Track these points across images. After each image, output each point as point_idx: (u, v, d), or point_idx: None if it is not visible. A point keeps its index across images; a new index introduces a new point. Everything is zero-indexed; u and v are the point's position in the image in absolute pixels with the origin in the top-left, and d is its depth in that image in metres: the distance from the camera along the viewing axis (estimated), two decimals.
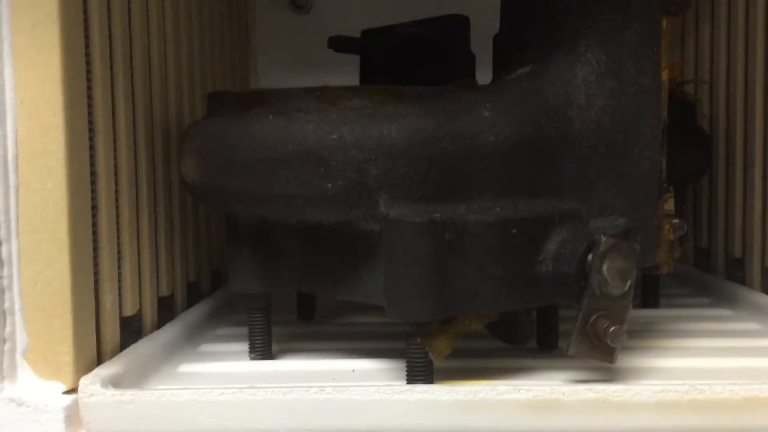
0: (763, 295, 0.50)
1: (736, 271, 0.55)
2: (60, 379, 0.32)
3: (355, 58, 0.54)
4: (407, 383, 0.34)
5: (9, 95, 0.32)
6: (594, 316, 0.33)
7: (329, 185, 0.33)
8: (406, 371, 0.34)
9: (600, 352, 0.34)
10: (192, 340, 0.44)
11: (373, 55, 0.54)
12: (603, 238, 0.33)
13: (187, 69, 0.50)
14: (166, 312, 0.45)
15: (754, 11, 0.52)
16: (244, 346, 0.41)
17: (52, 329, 0.32)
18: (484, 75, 0.41)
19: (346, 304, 0.52)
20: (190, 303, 0.49)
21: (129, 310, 0.39)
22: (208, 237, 0.54)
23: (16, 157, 0.32)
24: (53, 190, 0.32)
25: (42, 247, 0.32)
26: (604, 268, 0.33)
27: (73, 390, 0.32)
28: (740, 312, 0.50)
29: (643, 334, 0.44)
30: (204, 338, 0.45)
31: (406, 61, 0.52)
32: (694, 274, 0.61)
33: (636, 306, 0.35)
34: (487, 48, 0.41)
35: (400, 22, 0.52)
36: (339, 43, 0.54)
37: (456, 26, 0.50)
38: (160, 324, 0.43)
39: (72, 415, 0.32)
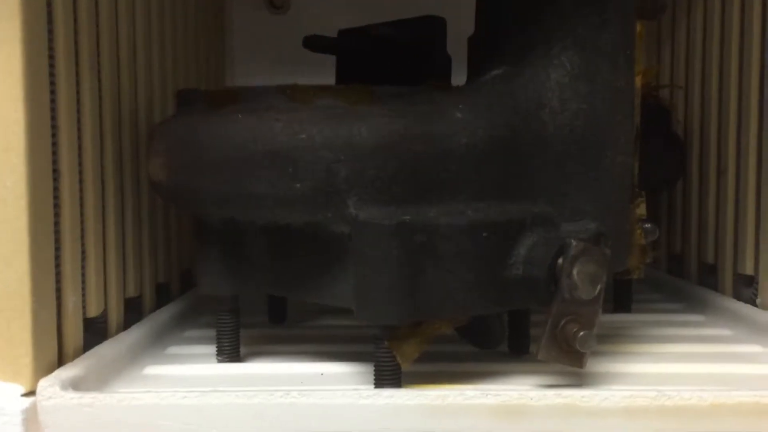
0: (735, 301, 0.50)
1: (709, 277, 0.56)
2: (18, 381, 0.32)
3: (333, 59, 0.54)
4: (375, 387, 0.34)
5: None
6: (563, 321, 0.33)
7: (298, 186, 0.32)
8: (374, 375, 0.34)
9: (569, 357, 0.34)
10: (159, 342, 0.43)
11: (349, 55, 0.53)
12: (574, 242, 0.33)
13: (159, 68, 0.49)
14: (134, 313, 0.44)
15: (729, 17, 0.52)
16: (212, 349, 0.40)
17: (11, 331, 0.31)
18: (460, 77, 0.41)
19: (317, 306, 0.51)
20: (159, 304, 0.48)
21: (93, 311, 0.38)
22: (179, 237, 0.53)
23: None
24: (13, 188, 0.31)
25: (1, 247, 0.31)
26: (575, 272, 0.33)
27: (31, 392, 0.31)
28: (712, 318, 0.50)
29: (613, 339, 0.44)
30: (172, 340, 0.44)
31: (382, 61, 0.52)
32: (666, 279, 0.61)
33: (607, 311, 0.35)
34: (463, 50, 0.41)
35: (377, 23, 0.51)
36: (315, 43, 0.54)
37: (432, 27, 0.50)
38: (127, 326, 0.42)
39: (30, 418, 0.31)
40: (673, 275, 0.61)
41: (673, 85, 0.58)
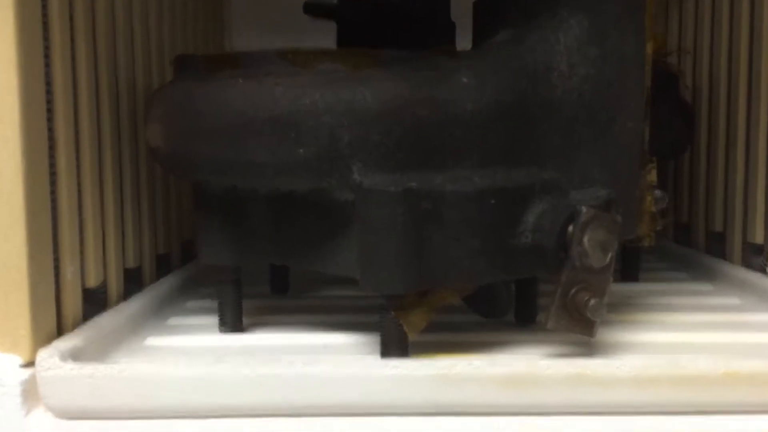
0: (744, 269, 0.49)
1: (717, 246, 0.55)
2: (17, 352, 0.31)
3: (334, 27, 0.52)
4: (381, 357, 0.33)
5: None
6: (574, 289, 0.32)
7: (300, 151, 0.32)
8: (381, 345, 0.33)
9: (579, 326, 0.33)
10: (160, 313, 0.43)
11: (350, 22, 0.52)
12: (584, 209, 0.32)
13: (156, 34, 0.48)
14: (134, 284, 0.44)
15: None
16: (214, 320, 0.39)
17: (9, 302, 0.31)
18: (464, 45, 0.39)
19: (320, 276, 0.51)
20: (160, 276, 0.48)
21: (93, 282, 0.38)
22: (179, 207, 0.52)
23: None
24: (8, 159, 0.30)
25: None
26: (585, 239, 0.32)
27: (30, 363, 0.31)
28: (721, 287, 0.49)
29: (622, 308, 0.43)
30: (173, 311, 0.44)
31: (384, 28, 0.50)
32: (674, 248, 0.60)
33: (615, 279, 0.34)
34: (467, 17, 0.40)
35: None
36: (315, 8, 0.52)
37: None
38: (127, 297, 0.42)
39: (29, 390, 0.30)
40: (680, 244, 0.61)
41: (682, 51, 0.57)
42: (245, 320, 0.40)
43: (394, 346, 0.33)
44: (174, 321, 0.42)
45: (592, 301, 0.32)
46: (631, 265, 0.51)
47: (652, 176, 0.38)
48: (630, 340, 0.37)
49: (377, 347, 0.34)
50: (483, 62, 0.34)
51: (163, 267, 0.49)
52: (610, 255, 0.33)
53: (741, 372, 0.30)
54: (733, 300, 0.46)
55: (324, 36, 0.53)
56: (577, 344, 0.36)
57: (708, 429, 0.30)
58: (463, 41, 0.41)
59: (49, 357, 0.30)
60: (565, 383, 0.30)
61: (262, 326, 0.40)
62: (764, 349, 0.36)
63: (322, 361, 0.30)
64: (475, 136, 0.33)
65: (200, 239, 0.38)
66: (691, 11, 0.58)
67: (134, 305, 0.40)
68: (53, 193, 0.34)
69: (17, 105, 0.30)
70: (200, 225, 0.38)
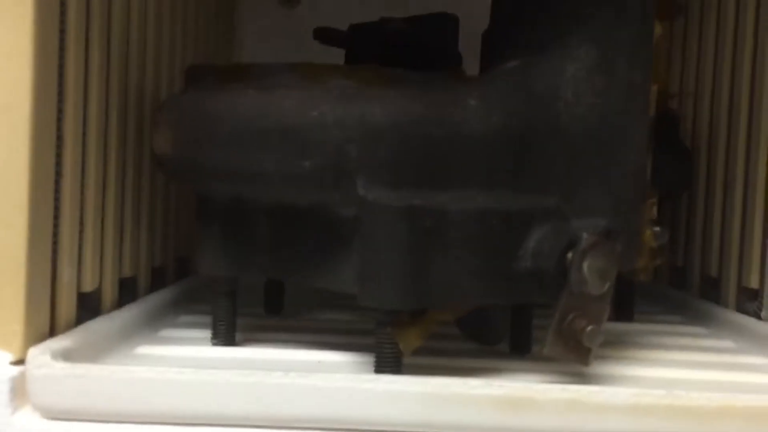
0: (739, 314, 0.49)
1: (711, 291, 0.55)
2: (7, 348, 0.31)
3: (343, 55, 0.53)
4: (375, 373, 0.33)
5: None
6: (571, 316, 0.32)
7: (306, 163, 0.32)
8: (375, 361, 0.33)
9: (575, 353, 0.33)
10: (152, 325, 0.42)
11: (359, 49, 0.53)
12: (585, 236, 0.32)
13: (168, 44, 0.48)
14: (128, 294, 0.43)
15: (743, 26, 0.51)
16: (206, 334, 0.39)
17: (3, 295, 0.30)
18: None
19: (315, 299, 0.50)
20: (153, 288, 0.47)
21: (88, 286, 0.37)
22: (177, 222, 0.52)
23: None
24: (15, 148, 0.30)
25: None
26: (584, 266, 0.32)
27: (20, 361, 0.30)
28: (715, 330, 0.49)
29: (617, 345, 0.43)
30: (165, 323, 0.43)
31: (392, 57, 0.51)
32: (667, 292, 0.60)
33: (609, 319, 0.34)
34: (473, 48, 0.41)
35: (388, 17, 0.51)
36: (325, 35, 0.53)
37: (445, 24, 0.49)
38: (121, 306, 0.41)
39: (17, 387, 0.30)
40: (675, 288, 0.61)
41: (685, 92, 0.57)
42: (238, 336, 0.39)
43: (388, 363, 0.33)
44: (166, 333, 0.42)
45: (589, 328, 0.32)
46: (625, 304, 0.51)
47: (653, 211, 0.39)
48: (624, 374, 0.37)
49: (371, 367, 0.33)
50: (491, 87, 0.35)
51: (157, 280, 0.49)
52: (608, 284, 0.33)
53: (736, 405, 0.30)
54: (728, 343, 0.46)
55: (333, 58, 0.53)
56: (572, 374, 0.35)
57: None
58: (470, 72, 0.42)
59: (41, 355, 0.30)
60: (561, 408, 0.30)
61: (256, 342, 0.40)
62: (759, 388, 0.36)
63: (315, 374, 0.30)
64: (481, 158, 0.33)
65: (199, 249, 0.38)
66: (693, 53, 0.59)
67: (127, 314, 0.40)
68: (57, 192, 0.34)
69: (29, 95, 0.30)
70: (200, 234, 0.37)
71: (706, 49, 0.57)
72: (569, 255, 0.32)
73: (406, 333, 0.33)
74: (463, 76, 0.36)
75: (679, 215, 0.61)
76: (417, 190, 0.32)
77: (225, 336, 0.38)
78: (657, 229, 0.40)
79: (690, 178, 0.56)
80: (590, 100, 0.35)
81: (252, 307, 0.47)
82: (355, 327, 0.44)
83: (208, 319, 0.39)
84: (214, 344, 0.38)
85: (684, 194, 0.58)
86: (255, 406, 0.30)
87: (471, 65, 0.41)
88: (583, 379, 0.35)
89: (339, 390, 0.30)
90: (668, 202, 0.60)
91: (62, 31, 0.33)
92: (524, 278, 0.33)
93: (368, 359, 0.35)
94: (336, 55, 0.52)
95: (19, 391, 0.30)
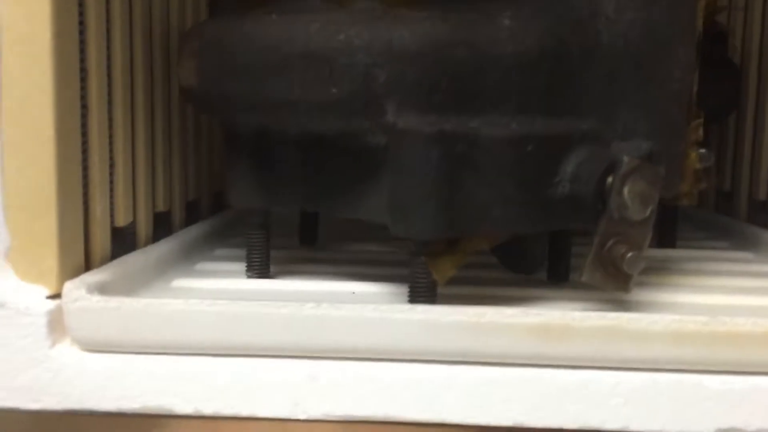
0: None
1: (759, 216, 0.53)
2: (43, 282, 0.31)
3: None
4: (409, 303, 0.32)
5: None
6: (611, 242, 0.31)
7: (334, 90, 0.31)
8: (409, 291, 0.33)
9: (614, 280, 0.32)
10: (188, 258, 0.42)
11: None
12: (625, 159, 0.31)
13: None
14: (163, 229, 0.44)
15: None
16: (241, 267, 0.39)
17: (35, 229, 0.30)
18: None
19: (349, 230, 0.50)
20: (188, 223, 0.47)
21: (122, 221, 0.37)
22: (211, 156, 0.52)
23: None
24: (38, 81, 0.30)
25: (26, 143, 0.30)
26: (625, 190, 0.31)
27: (57, 295, 0.31)
28: (762, 255, 0.47)
29: (658, 271, 0.42)
30: (201, 257, 0.43)
31: None
32: (712, 217, 0.58)
33: (651, 245, 0.33)
34: None
35: None
36: None
37: None
38: (155, 240, 0.41)
39: (55, 321, 0.30)
40: (720, 213, 0.59)
41: (733, 6, 0.54)
42: (273, 269, 0.39)
43: (423, 293, 0.32)
44: (201, 266, 0.42)
45: (630, 254, 0.31)
46: (668, 230, 0.49)
47: (699, 133, 0.37)
48: (666, 300, 0.36)
49: (406, 298, 0.33)
50: (526, 5, 0.33)
51: (192, 215, 0.49)
52: (650, 208, 0.31)
53: None
54: None
55: None
56: (611, 302, 0.35)
57: (746, 389, 0.29)
58: None
59: (76, 289, 0.30)
60: (599, 336, 0.29)
61: (290, 274, 0.40)
62: None
63: (348, 304, 0.30)
64: (515, 80, 0.32)
65: (230, 182, 0.37)
66: None
67: (163, 248, 0.40)
68: (84, 126, 0.33)
69: (49, 26, 0.29)
70: (230, 168, 0.37)
71: None
72: (609, 179, 0.31)
73: (440, 262, 0.32)
74: None
75: (726, 137, 0.58)
76: (448, 116, 0.31)
77: (259, 268, 0.38)
78: (702, 151, 0.38)
79: (738, 97, 0.53)
80: (632, 14, 0.33)
81: (287, 237, 0.47)
82: (389, 257, 0.44)
83: (243, 252, 0.39)
84: (249, 277, 0.38)
85: (732, 115, 0.56)
86: (288, 337, 0.30)
87: None
88: (622, 306, 0.34)
89: (373, 321, 0.29)
90: (715, 123, 0.57)
91: None
92: (561, 204, 0.32)
93: (403, 290, 0.34)
94: None
95: (56, 325, 0.30)
